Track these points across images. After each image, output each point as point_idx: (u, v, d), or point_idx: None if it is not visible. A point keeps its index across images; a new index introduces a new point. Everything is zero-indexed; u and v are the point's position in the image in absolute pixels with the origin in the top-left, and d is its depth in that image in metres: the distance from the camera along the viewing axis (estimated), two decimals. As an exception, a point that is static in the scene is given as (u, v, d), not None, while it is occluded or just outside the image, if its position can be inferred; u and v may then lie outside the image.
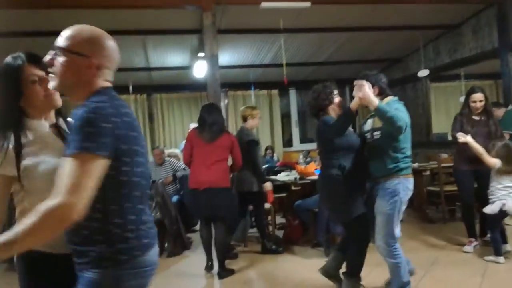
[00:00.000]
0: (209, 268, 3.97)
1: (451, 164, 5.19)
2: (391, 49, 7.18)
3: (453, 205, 5.75)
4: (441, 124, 7.81)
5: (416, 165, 6.09)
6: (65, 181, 1.11)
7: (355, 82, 2.73)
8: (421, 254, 4.12)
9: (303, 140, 8.89)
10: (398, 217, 2.82)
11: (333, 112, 3.08)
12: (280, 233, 5.09)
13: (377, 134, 2.91)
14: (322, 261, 4.05)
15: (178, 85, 8.17)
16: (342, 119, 2.86)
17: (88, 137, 1.15)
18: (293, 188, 4.83)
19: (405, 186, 2.81)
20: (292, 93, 8.81)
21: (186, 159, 4.02)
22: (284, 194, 5.20)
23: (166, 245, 4.81)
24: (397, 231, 2.87)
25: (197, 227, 5.95)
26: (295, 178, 4.93)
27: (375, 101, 2.64)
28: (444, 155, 6.06)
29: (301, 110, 9.02)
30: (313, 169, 5.07)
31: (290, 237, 4.93)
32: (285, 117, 8.88)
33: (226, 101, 8.43)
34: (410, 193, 2.87)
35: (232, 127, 8.42)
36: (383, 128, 2.82)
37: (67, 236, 1.28)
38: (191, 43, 5.97)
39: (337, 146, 2.94)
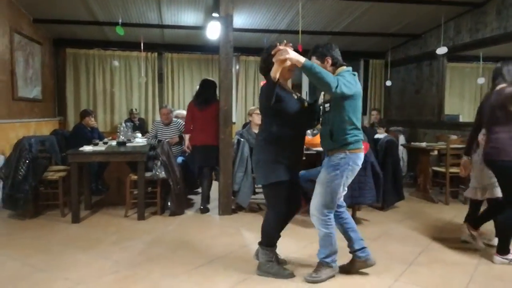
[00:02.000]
0: (205, 210, 4.93)
1: (460, 146, 5.15)
2: (410, 24, 6.95)
3: (456, 187, 5.75)
4: (454, 105, 7.67)
5: (424, 144, 6.04)
6: None
7: (274, 51, 2.63)
8: (419, 233, 4.14)
9: (312, 111, 8.80)
10: (338, 191, 2.84)
11: (280, 76, 2.87)
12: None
13: (327, 106, 2.87)
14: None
15: (190, 46, 8.02)
16: (266, 87, 2.76)
17: None
18: (298, 157, 4.80)
19: (351, 160, 2.80)
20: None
21: (188, 127, 5.18)
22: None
23: (169, 204, 4.87)
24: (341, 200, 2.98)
25: (200, 189, 6.05)
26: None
27: (301, 58, 2.57)
28: (454, 137, 5.99)
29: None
30: (319, 141, 5.03)
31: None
32: (296, 87, 8.75)
33: (237, 67, 8.30)
34: (356, 168, 2.85)
35: (242, 93, 8.34)
36: (332, 100, 2.79)
37: None
38: (206, 1, 5.80)
39: (267, 111, 2.91)
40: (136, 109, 7.74)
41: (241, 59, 8.30)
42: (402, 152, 6.85)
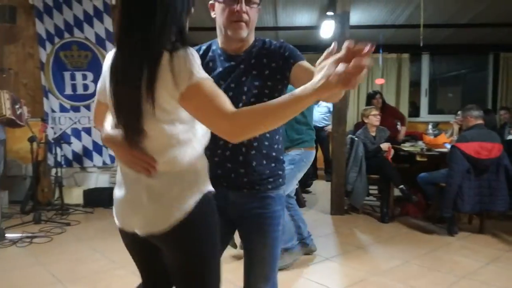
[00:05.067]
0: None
1: None
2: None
3: None
4: None
5: None
6: None
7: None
8: None
9: (431, 111, 8.21)
10: (291, 183, 3.07)
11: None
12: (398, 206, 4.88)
13: None
14: (444, 238, 3.85)
15: (302, 46, 7.99)
16: None
17: None
18: (418, 159, 4.53)
19: (304, 157, 3.09)
20: (425, 58, 8.09)
21: None
22: (407, 165, 4.92)
23: (281, 200, 4.97)
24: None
25: (311, 188, 6.09)
26: (422, 149, 4.61)
27: None
28: None
29: (433, 78, 8.28)
30: (443, 141, 4.70)
31: (409, 211, 4.70)
32: (413, 84, 8.24)
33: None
34: (307, 165, 3.13)
35: (354, 92, 8.12)
36: None
37: None
38: (321, 1, 5.79)
39: None
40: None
41: (354, 57, 8.09)
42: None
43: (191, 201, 1.18)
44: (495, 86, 7.93)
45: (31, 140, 4.30)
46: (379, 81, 7.50)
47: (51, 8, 4.98)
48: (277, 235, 1.52)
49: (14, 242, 3.60)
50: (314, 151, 3.20)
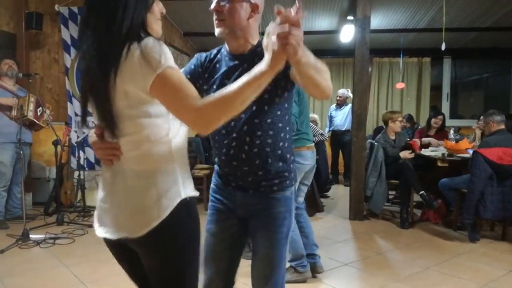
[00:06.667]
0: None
1: None
2: None
3: None
4: None
5: None
6: None
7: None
8: None
9: (453, 115, 8.08)
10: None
11: None
12: (418, 212, 4.82)
13: None
14: (465, 245, 3.77)
15: (321, 50, 8.03)
16: None
17: None
18: (439, 164, 4.46)
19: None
20: (447, 62, 7.97)
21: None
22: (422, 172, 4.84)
23: (299, 205, 4.96)
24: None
25: (329, 193, 6.06)
26: (443, 154, 4.54)
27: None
28: None
29: (454, 82, 8.16)
30: (465, 147, 4.61)
31: (430, 217, 4.62)
32: (434, 89, 8.14)
33: (369, 69, 8.06)
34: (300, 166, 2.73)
35: (374, 97, 8.06)
36: None
37: None
38: (341, 5, 5.78)
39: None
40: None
41: (374, 61, 8.04)
42: None
43: (169, 207, 1.15)
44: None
45: (55, 143, 4.42)
46: (400, 85, 7.42)
47: (76, 15, 5.11)
48: (280, 237, 1.53)
49: (38, 242, 3.69)
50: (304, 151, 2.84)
